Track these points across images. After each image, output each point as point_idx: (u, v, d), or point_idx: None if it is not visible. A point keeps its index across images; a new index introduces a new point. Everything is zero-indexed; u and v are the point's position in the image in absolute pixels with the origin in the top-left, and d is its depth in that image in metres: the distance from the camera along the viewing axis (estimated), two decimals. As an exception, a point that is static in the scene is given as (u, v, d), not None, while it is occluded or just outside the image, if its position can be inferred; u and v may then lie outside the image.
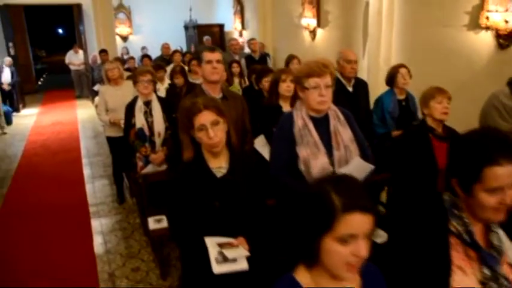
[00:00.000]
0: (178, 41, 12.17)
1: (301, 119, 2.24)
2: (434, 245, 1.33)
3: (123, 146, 4.81)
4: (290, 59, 5.50)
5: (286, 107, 3.40)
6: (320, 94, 2.18)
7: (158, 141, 3.92)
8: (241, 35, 11.72)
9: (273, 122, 3.32)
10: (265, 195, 2.18)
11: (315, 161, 2.16)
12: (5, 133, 9.03)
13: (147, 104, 3.93)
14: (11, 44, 11.88)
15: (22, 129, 9.34)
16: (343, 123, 2.31)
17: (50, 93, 14.37)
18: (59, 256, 3.92)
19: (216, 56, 2.95)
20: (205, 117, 1.94)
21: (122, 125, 4.58)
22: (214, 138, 1.93)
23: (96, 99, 10.59)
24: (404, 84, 3.98)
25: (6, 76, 9.95)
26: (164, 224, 3.44)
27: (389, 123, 4.03)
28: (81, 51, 12.92)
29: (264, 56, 7.33)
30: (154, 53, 11.06)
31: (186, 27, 12.95)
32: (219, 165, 2.04)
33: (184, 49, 12.52)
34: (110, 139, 4.98)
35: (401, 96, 4.06)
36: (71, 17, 14.02)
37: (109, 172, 6.18)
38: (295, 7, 8.79)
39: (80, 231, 4.41)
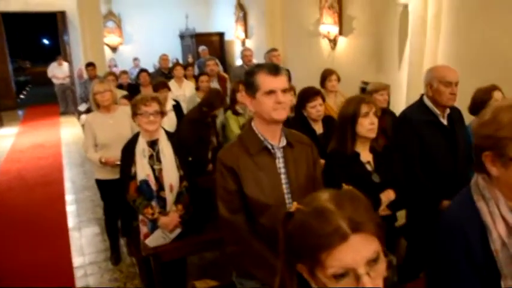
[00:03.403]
0: (173, 52, 11.09)
1: (502, 223, 1.11)
2: None
3: (119, 191, 3.69)
4: (327, 74, 4.40)
5: (365, 155, 2.28)
6: None
7: (170, 197, 2.77)
8: (243, 44, 10.63)
9: (352, 181, 2.21)
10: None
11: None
12: (-23, 160, 7.79)
13: (153, 144, 2.78)
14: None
15: (-3, 155, 8.10)
16: None
17: (33, 108, 13.12)
18: None
19: (282, 82, 1.82)
20: (358, 252, 0.81)
21: (116, 163, 3.49)
22: None
23: (83, 117, 9.46)
24: (502, 113, 2.90)
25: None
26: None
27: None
28: (65, 64, 11.69)
29: (287, 71, 6.20)
30: (148, 64, 10.02)
31: (182, 36, 11.84)
32: None
33: (180, 60, 11.43)
34: (100, 183, 3.80)
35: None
36: (56, 25, 12.80)
37: (99, 215, 5.01)
38: (311, 12, 7.73)
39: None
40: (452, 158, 2.66)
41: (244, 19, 10.37)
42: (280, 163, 1.91)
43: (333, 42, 7.26)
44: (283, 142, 1.92)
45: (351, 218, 0.81)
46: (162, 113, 2.79)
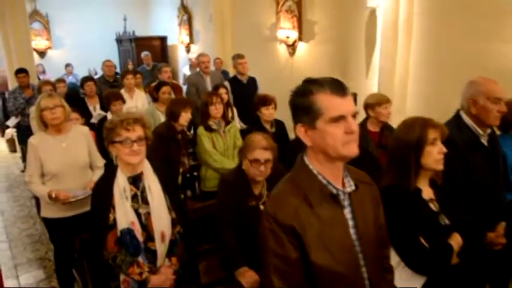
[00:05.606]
0: (109, 57, 10.09)
1: None
2: None
3: (71, 230, 2.98)
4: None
5: (426, 192, 1.82)
6: None
7: (162, 248, 2.12)
8: (188, 49, 9.96)
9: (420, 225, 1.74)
10: None
11: None
12: None
13: (136, 181, 2.12)
14: None
15: None
16: None
17: None
18: None
19: (351, 103, 1.35)
20: None
21: (71, 200, 2.81)
22: None
23: (8, 131, 8.24)
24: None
25: None
26: None
27: (514, 184, 2.64)
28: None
29: (254, 79, 5.68)
30: (81, 71, 9.13)
31: (119, 40, 10.88)
32: None
33: (118, 67, 10.48)
34: (50, 222, 3.03)
35: (522, 143, 2.71)
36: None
37: (41, 254, 4.18)
38: (266, 16, 7.30)
39: None
40: (494, 184, 2.31)
41: (188, 22, 9.72)
42: (348, 213, 1.40)
43: (292, 47, 6.88)
44: (351, 185, 1.41)
45: None
46: (147, 139, 2.14)
